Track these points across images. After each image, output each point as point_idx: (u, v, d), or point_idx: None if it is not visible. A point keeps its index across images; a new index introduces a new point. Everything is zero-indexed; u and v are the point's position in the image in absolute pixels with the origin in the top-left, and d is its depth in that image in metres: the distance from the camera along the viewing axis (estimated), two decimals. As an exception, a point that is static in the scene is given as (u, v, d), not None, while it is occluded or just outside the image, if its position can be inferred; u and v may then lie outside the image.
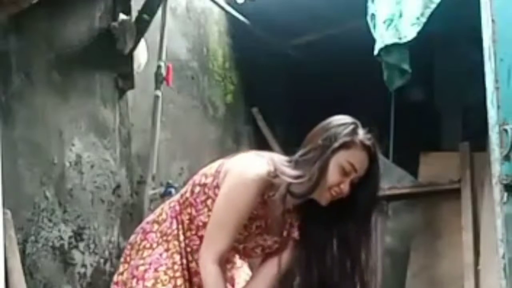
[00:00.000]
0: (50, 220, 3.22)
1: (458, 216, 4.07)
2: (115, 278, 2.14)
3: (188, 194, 2.09)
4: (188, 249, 2.07)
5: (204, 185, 2.04)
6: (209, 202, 2.02)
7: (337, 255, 2.06)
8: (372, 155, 2.01)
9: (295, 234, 2.08)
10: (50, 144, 3.29)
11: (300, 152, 2.04)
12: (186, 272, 2.04)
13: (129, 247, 2.15)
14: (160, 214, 2.14)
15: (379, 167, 2.04)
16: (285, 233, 2.09)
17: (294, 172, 1.97)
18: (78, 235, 3.37)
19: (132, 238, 2.18)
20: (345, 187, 1.97)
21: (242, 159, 2.03)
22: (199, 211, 2.04)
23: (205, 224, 2.03)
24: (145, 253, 2.07)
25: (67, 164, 3.36)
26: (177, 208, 2.10)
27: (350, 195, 2.00)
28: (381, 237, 4.26)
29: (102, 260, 3.50)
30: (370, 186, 2.02)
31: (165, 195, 3.69)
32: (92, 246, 3.44)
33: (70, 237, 3.32)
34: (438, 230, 4.22)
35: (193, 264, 2.07)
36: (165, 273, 2.01)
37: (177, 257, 2.04)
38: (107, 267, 3.52)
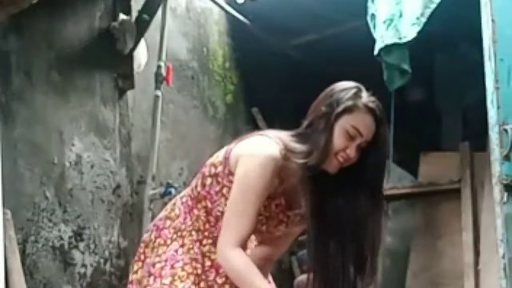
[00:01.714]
0: (50, 220, 3.22)
1: (458, 216, 4.06)
2: (130, 277, 2.12)
3: (199, 188, 2.04)
4: (209, 241, 2.04)
5: (216, 175, 2.00)
6: (224, 191, 1.98)
7: (350, 225, 2.00)
8: (377, 118, 1.96)
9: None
10: (50, 144, 3.29)
11: (305, 123, 2.01)
12: (199, 265, 2.01)
13: (142, 245, 2.12)
14: (172, 210, 2.11)
15: (387, 130, 1.99)
16: (303, 203, 2.02)
17: (304, 148, 1.93)
18: (78, 235, 3.37)
19: (145, 236, 2.15)
20: (351, 152, 1.92)
21: (251, 142, 1.98)
22: (214, 202, 2.01)
23: (223, 214, 1.98)
24: (160, 250, 2.04)
25: (67, 164, 3.36)
26: (190, 203, 2.07)
27: (359, 161, 1.96)
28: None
29: (102, 260, 3.50)
30: (378, 151, 1.97)
31: (165, 195, 3.69)
32: (92, 246, 3.44)
33: (70, 237, 3.32)
34: (438, 230, 4.22)
35: (217, 255, 2.02)
36: (183, 269, 1.98)
37: (192, 252, 2.02)
38: (107, 267, 3.53)
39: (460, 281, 3.89)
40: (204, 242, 2.04)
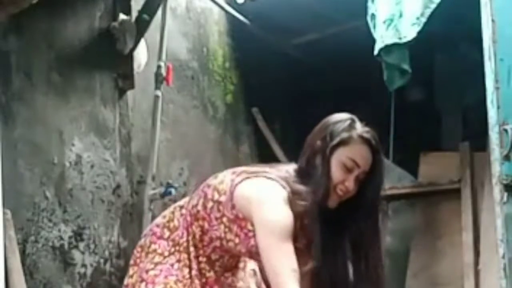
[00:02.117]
0: (50, 220, 3.22)
1: (458, 216, 4.06)
2: (125, 281, 2.12)
3: (200, 207, 2.04)
4: (204, 259, 2.05)
5: (218, 202, 2.00)
6: (224, 219, 1.99)
7: (350, 256, 2.01)
8: (373, 148, 1.97)
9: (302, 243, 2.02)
10: (50, 144, 3.29)
11: (303, 159, 2.02)
12: (197, 281, 2.01)
13: (139, 249, 2.12)
14: (171, 220, 2.11)
15: (382, 159, 2.00)
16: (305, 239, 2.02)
17: (307, 189, 1.94)
18: (78, 235, 3.37)
19: (142, 241, 2.15)
20: (350, 184, 1.94)
21: (260, 187, 1.96)
22: (213, 226, 2.02)
23: (218, 238, 2.00)
24: (156, 259, 2.05)
25: (67, 164, 3.36)
26: (188, 218, 2.06)
27: (358, 192, 1.97)
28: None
29: (102, 260, 3.50)
30: (375, 180, 1.98)
31: (165, 195, 3.69)
32: (92, 246, 3.44)
33: (70, 237, 3.32)
34: (438, 230, 4.22)
35: (211, 273, 2.04)
36: (176, 283, 1.99)
37: (185, 271, 2.01)
38: (107, 267, 3.53)
39: (460, 281, 3.89)
40: (200, 259, 2.05)
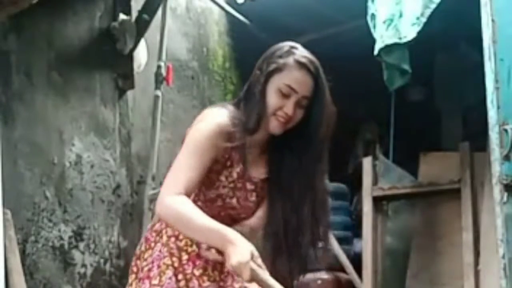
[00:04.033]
0: (50, 220, 3.22)
1: (458, 216, 4.06)
2: None
3: None
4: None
5: None
6: None
7: (301, 186, 2.00)
8: (312, 73, 1.96)
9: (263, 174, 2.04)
10: (50, 144, 3.29)
11: (245, 87, 2.06)
12: (175, 259, 2.02)
13: (134, 258, 2.15)
14: (156, 218, 2.14)
15: (324, 83, 1.98)
16: (268, 168, 2.05)
17: (243, 113, 1.98)
18: (78, 235, 3.37)
19: (137, 250, 2.17)
20: (288, 110, 1.93)
21: (201, 116, 2.04)
22: None
23: None
24: (147, 255, 2.08)
25: (67, 164, 3.36)
26: None
27: (306, 119, 1.97)
28: (381, 237, 4.26)
29: (102, 260, 3.50)
30: (317, 105, 1.97)
31: (165, 195, 3.69)
32: (92, 246, 3.44)
33: (70, 237, 3.32)
34: (438, 230, 4.22)
35: (193, 247, 2.04)
36: (164, 263, 2.01)
37: (168, 248, 2.04)
38: (107, 267, 3.53)
39: (460, 281, 3.89)
40: (181, 237, 2.04)
